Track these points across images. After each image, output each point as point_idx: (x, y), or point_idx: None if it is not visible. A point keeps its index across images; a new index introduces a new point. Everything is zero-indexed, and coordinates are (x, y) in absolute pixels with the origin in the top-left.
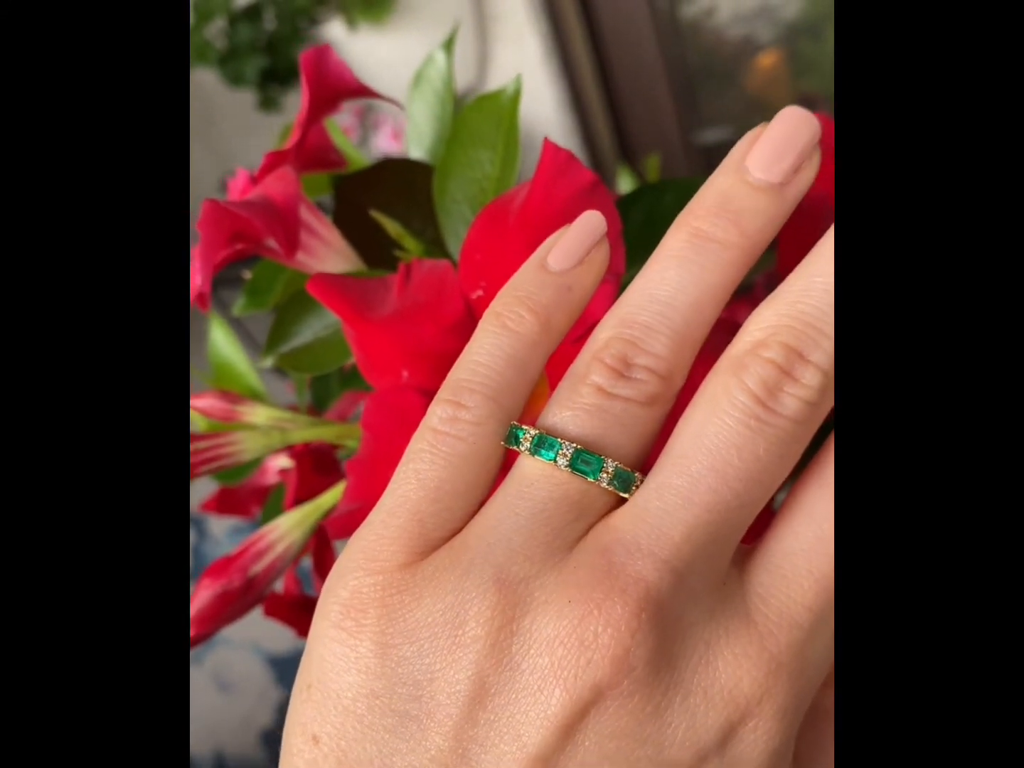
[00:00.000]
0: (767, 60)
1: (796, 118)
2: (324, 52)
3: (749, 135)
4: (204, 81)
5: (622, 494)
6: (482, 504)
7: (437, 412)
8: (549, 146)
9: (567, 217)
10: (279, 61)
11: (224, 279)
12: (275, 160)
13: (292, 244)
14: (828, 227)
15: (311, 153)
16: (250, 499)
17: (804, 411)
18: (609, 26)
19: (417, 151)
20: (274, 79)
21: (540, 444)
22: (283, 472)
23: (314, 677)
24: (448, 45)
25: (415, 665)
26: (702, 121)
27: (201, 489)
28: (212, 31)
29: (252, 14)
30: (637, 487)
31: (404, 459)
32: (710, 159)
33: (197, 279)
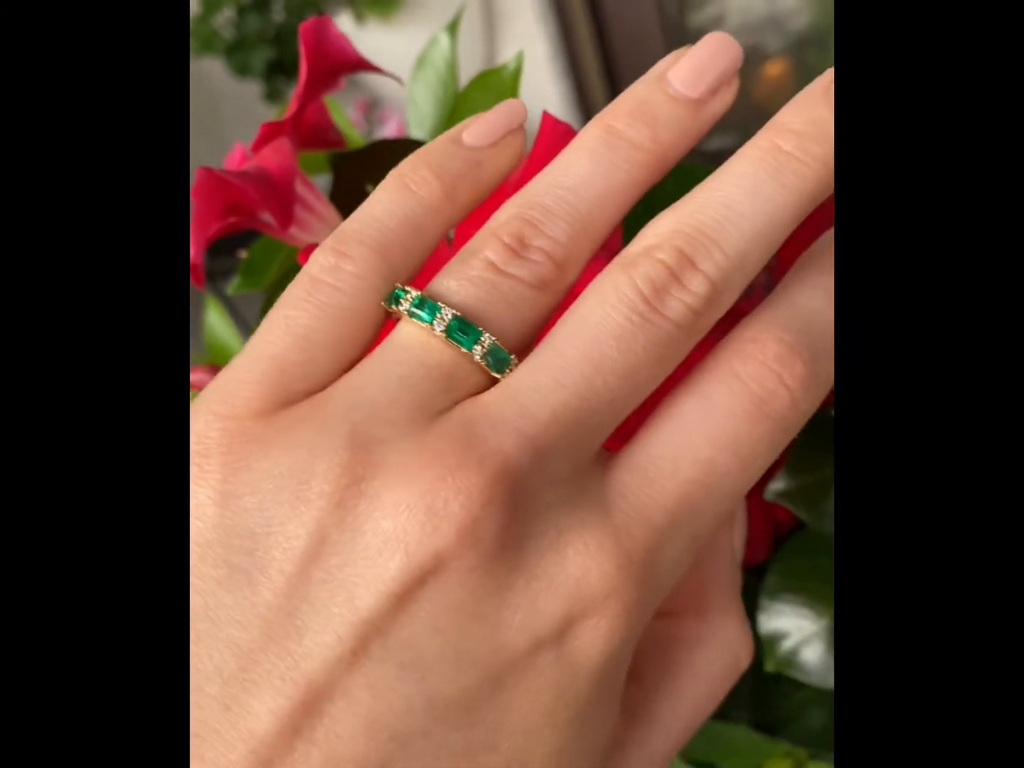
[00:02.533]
0: (774, 69)
1: (721, 42)
2: (324, 23)
3: (675, 52)
4: (210, 70)
5: (495, 374)
6: (354, 364)
7: (319, 259)
8: (548, 119)
9: None
10: (286, 53)
11: (222, 268)
12: (271, 131)
13: (287, 216)
14: (827, 226)
15: (310, 130)
16: None
17: (688, 317)
18: (617, 29)
19: (418, 134)
20: (281, 71)
21: (419, 306)
22: None
23: None
24: (452, 28)
25: (254, 517)
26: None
27: None
28: (220, 21)
29: (261, 5)
30: (511, 371)
31: (276, 305)
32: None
33: (190, 251)
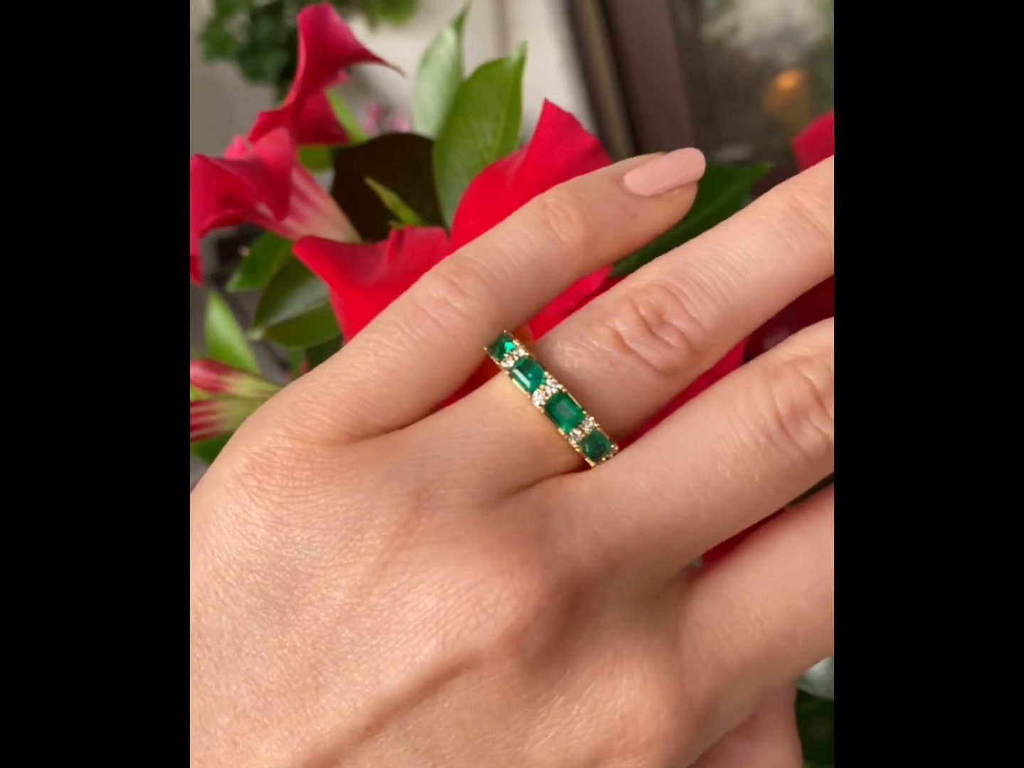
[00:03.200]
0: (787, 82)
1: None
2: (323, 12)
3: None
4: (223, 75)
5: (589, 460)
6: (436, 408)
7: (428, 287)
8: (549, 107)
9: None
10: (299, 58)
11: (230, 271)
12: (269, 121)
13: (282, 207)
14: None
15: (311, 123)
16: None
17: (821, 449)
18: (631, 39)
19: (423, 130)
20: (293, 76)
21: (524, 368)
22: None
23: (196, 523)
24: (458, 24)
25: (300, 553)
26: (720, 139)
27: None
28: (233, 25)
29: (274, 10)
30: (608, 460)
31: (371, 325)
32: None
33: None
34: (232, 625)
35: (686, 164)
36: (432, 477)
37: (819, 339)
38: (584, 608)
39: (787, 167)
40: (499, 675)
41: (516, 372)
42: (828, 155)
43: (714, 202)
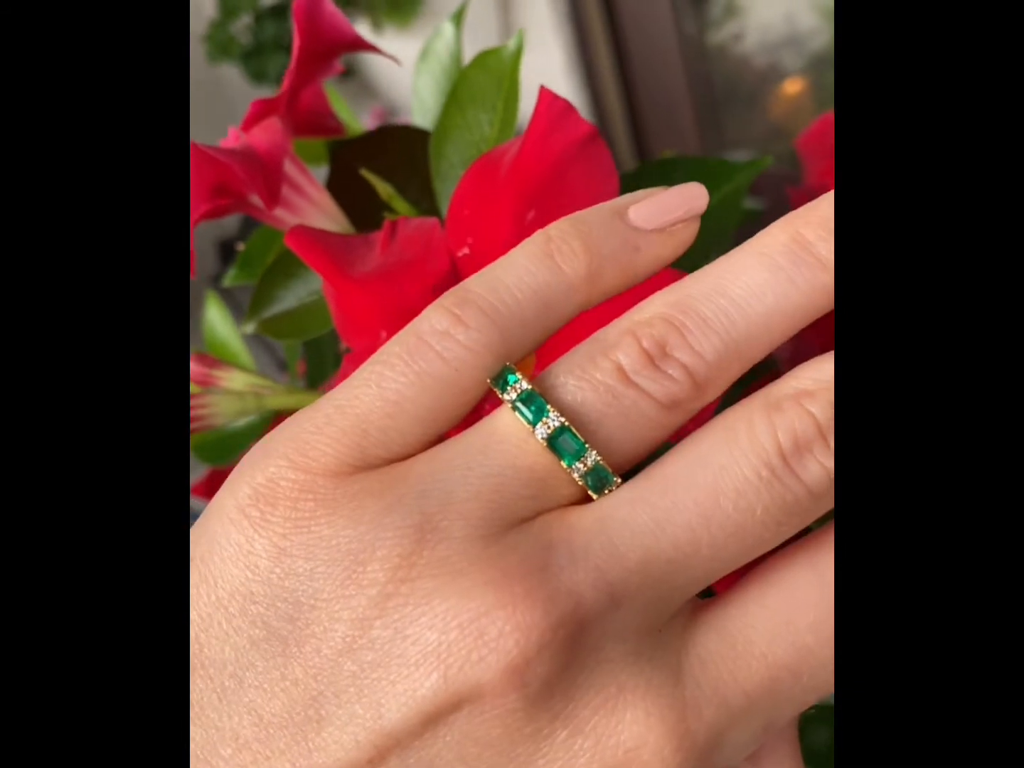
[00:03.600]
0: (791, 88)
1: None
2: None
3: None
4: (227, 76)
5: (592, 493)
6: (439, 440)
7: (431, 319)
8: (545, 94)
9: (562, 170)
10: None
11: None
12: (262, 109)
13: (273, 196)
14: None
15: (307, 116)
16: None
17: (823, 483)
18: (635, 43)
19: (422, 123)
20: None
21: (527, 401)
22: None
23: (199, 554)
24: (457, 17)
25: (303, 584)
26: (724, 144)
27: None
28: (237, 27)
29: (278, 12)
30: (610, 492)
31: (374, 357)
32: None
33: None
34: (235, 656)
35: (689, 198)
36: (435, 509)
37: (822, 372)
38: (587, 642)
39: (792, 173)
40: (502, 709)
41: (519, 405)
42: (830, 154)
43: (715, 194)
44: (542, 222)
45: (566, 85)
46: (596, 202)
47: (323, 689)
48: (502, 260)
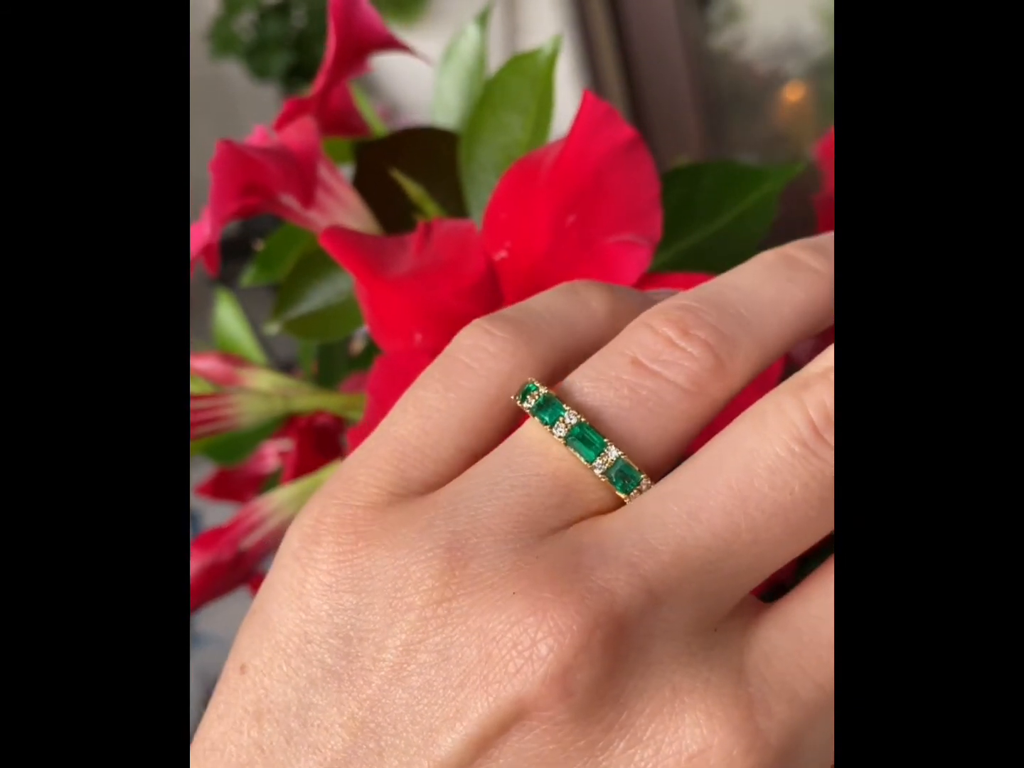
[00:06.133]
0: (794, 94)
1: None
2: None
3: None
4: (229, 73)
5: (619, 493)
6: (478, 457)
7: (461, 336)
8: (589, 97)
9: (603, 175)
10: (305, 58)
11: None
12: (296, 109)
13: (308, 196)
14: None
15: (334, 114)
16: (247, 486)
17: None
18: (640, 46)
19: (445, 122)
20: (300, 75)
21: (544, 405)
22: (283, 454)
23: (260, 603)
24: (482, 19)
25: (351, 618)
26: (727, 148)
27: (195, 475)
28: (241, 24)
29: (282, 10)
30: (640, 492)
31: (414, 384)
32: None
33: (205, 229)
34: (297, 697)
35: None
36: (463, 527)
37: None
38: (630, 643)
39: (798, 179)
40: (549, 723)
41: (537, 411)
42: None
43: (746, 200)
44: (582, 226)
45: (571, 89)
46: (636, 207)
47: (380, 720)
48: (530, 298)
